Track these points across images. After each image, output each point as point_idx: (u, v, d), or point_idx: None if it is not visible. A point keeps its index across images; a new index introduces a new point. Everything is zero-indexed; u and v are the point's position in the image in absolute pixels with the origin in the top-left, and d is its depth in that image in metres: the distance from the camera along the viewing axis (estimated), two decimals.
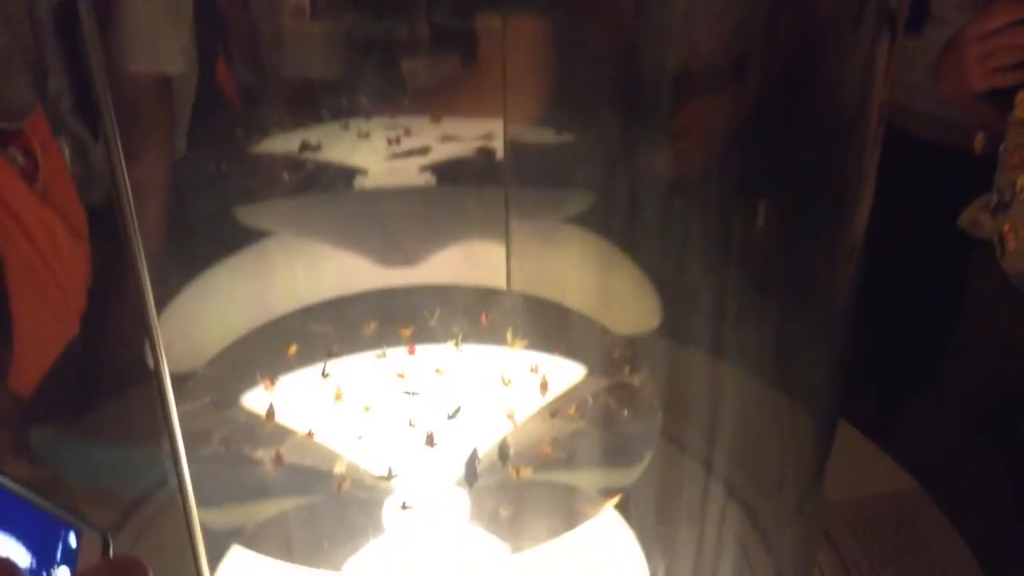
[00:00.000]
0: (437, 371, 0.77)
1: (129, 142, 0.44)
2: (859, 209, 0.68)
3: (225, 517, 0.67)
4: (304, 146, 0.93)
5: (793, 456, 0.81)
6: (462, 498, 0.67)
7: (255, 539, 0.65)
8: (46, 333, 0.81)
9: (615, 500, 0.69)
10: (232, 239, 0.88)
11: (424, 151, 0.96)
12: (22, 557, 0.40)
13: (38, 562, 0.40)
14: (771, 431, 0.82)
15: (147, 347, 0.50)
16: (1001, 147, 0.92)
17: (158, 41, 0.79)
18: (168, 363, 0.51)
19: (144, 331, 0.50)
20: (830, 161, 0.69)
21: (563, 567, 0.69)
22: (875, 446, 0.91)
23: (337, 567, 0.64)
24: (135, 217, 0.47)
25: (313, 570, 0.64)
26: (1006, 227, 0.90)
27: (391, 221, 0.97)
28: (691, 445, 0.86)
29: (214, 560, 0.71)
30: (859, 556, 0.79)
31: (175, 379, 0.61)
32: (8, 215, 0.78)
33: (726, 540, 0.78)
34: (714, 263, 0.80)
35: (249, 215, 0.93)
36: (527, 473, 0.68)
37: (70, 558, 0.43)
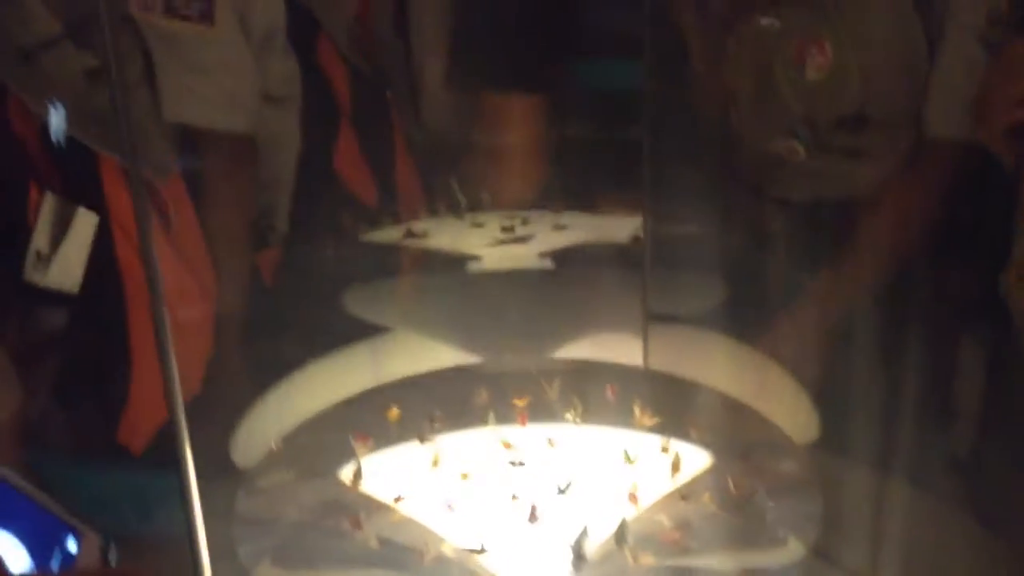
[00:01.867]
0: (549, 442, 0.67)
1: None
2: None
3: None
4: (409, 233, 0.90)
5: None
6: None
7: None
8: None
9: None
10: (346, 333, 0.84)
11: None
12: (19, 554, 0.38)
13: (35, 560, 0.39)
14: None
15: None
16: None
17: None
18: None
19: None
20: None
21: None
22: None
23: None
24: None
25: None
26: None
27: (516, 309, 0.90)
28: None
29: None
30: None
31: None
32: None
33: None
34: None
35: (362, 306, 0.88)
36: (648, 560, 0.56)
37: (68, 560, 0.39)
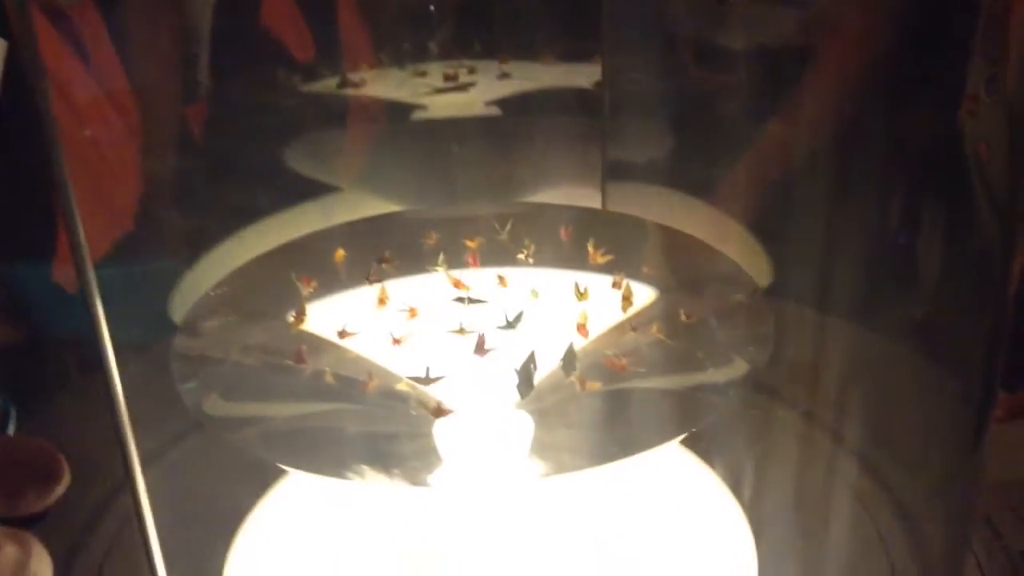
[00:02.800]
0: (500, 280, 0.66)
1: None
2: None
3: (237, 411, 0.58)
4: (345, 83, 0.87)
5: (941, 424, 0.66)
6: (523, 418, 0.56)
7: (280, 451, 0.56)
8: (97, 226, 0.74)
9: (690, 430, 0.56)
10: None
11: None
12: None
13: None
14: (912, 394, 0.68)
15: None
16: None
17: None
18: None
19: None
20: None
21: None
22: None
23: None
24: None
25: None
26: None
27: (470, 159, 0.88)
28: (816, 410, 0.72)
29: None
30: None
31: None
32: (62, 95, 0.73)
33: (850, 511, 0.64)
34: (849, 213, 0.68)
35: (304, 162, 0.86)
36: (595, 386, 0.56)
37: None
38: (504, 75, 0.90)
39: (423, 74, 0.86)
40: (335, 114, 0.87)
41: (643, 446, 0.53)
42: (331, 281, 0.69)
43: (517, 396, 0.56)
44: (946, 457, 0.59)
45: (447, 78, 0.85)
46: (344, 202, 0.88)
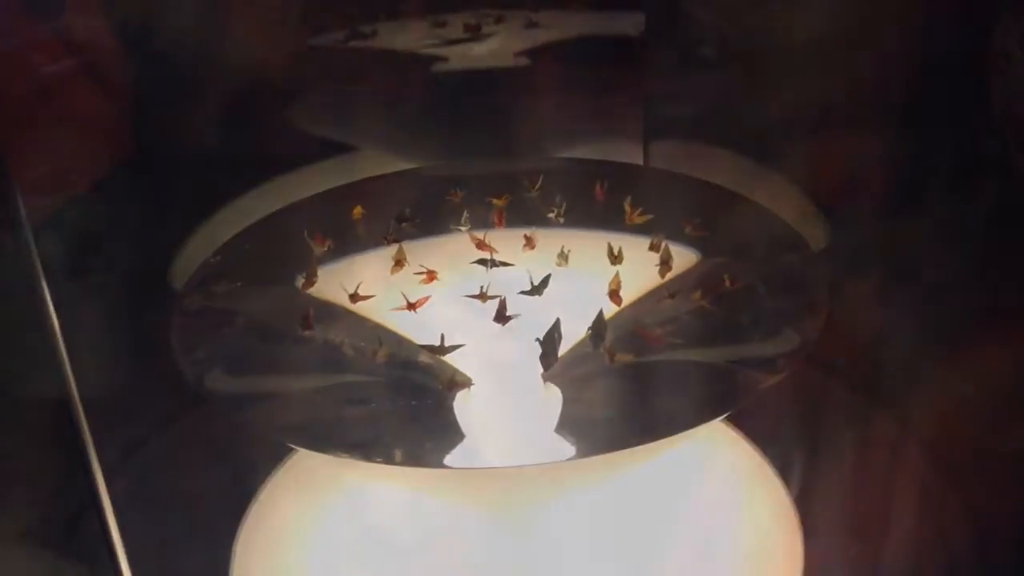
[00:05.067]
0: (527, 240, 0.62)
1: None
2: None
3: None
4: (354, 34, 0.81)
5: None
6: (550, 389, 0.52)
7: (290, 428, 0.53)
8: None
9: (731, 410, 0.52)
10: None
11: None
12: None
13: None
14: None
15: None
16: None
17: None
18: None
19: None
20: None
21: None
22: None
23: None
24: None
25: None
26: None
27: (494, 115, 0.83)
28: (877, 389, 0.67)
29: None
30: None
31: None
32: None
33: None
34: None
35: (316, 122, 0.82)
36: (625, 358, 0.51)
37: None
38: (532, 24, 0.84)
39: (443, 24, 0.81)
40: (350, 69, 0.81)
41: (676, 427, 0.48)
42: (348, 240, 0.65)
43: (540, 368, 0.52)
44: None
45: (467, 28, 0.80)
46: (362, 161, 0.83)
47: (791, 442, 0.60)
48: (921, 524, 0.55)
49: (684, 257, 0.60)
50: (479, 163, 0.76)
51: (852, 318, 0.60)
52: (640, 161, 0.79)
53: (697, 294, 0.56)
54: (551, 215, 0.65)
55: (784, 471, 0.60)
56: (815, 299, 0.54)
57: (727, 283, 0.56)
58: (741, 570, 0.57)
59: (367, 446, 0.50)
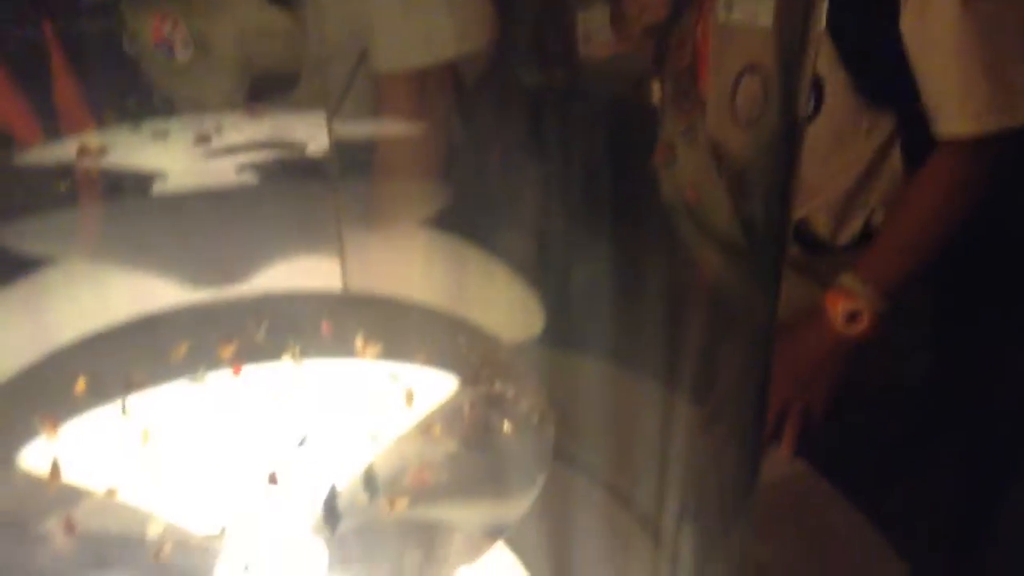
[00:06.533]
0: (272, 395, 0.64)
1: None
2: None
3: None
4: (83, 151, 0.78)
5: (714, 478, 0.72)
6: (318, 547, 0.55)
7: None
8: None
9: (506, 532, 0.59)
10: None
11: (237, 149, 0.84)
12: None
13: None
14: (686, 449, 0.73)
15: None
16: None
17: None
18: None
19: None
20: None
21: None
22: None
23: None
24: None
25: None
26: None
27: (201, 234, 0.83)
28: (593, 468, 0.77)
29: None
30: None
31: None
32: None
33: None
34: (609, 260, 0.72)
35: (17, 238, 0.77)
36: (403, 505, 0.56)
37: None
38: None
39: (163, 134, 0.78)
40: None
41: (458, 561, 0.54)
42: (75, 414, 0.63)
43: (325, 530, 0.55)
44: (725, 500, 0.66)
45: (200, 139, 0.78)
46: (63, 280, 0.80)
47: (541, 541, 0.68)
48: None
49: (428, 380, 0.65)
50: (186, 307, 0.75)
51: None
52: (339, 274, 0.83)
53: (440, 428, 0.62)
54: (286, 356, 0.68)
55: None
56: (545, 433, 0.62)
57: (465, 415, 0.63)
58: None
59: None
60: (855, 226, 1.10)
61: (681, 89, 0.69)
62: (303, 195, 0.84)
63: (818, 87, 1.04)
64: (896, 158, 1.08)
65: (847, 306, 1.02)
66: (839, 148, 1.07)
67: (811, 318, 1.04)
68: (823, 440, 1.00)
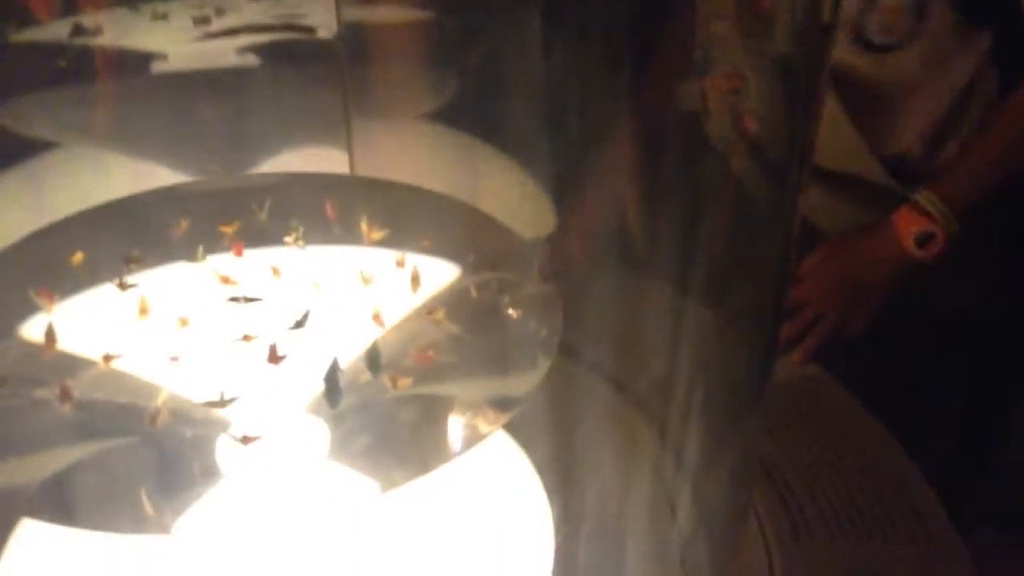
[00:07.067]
0: (274, 271, 0.63)
1: None
2: None
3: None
4: (77, 30, 0.76)
5: (722, 378, 0.71)
6: (319, 426, 0.54)
7: (47, 504, 0.50)
8: None
9: (509, 416, 0.58)
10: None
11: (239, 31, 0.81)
12: None
13: None
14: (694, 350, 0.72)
15: None
16: None
17: None
18: None
19: None
20: None
21: (448, 507, 0.57)
22: None
23: (165, 530, 0.50)
24: None
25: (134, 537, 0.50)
26: (707, 84, 0.79)
27: (205, 120, 0.81)
28: (599, 364, 0.76)
29: None
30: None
31: None
32: None
33: (641, 472, 0.69)
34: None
35: (21, 122, 0.76)
36: (406, 384, 0.55)
37: None
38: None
39: (163, 17, 0.76)
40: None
41: (463, 446, 0.53)
42: (71, 289, 0.62)
43: (325, 406, 0.54)
44: (732, 410, 0.65)
45: (198, 21, 0.76)
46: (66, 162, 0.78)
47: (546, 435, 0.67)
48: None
49: (433, 266, 0.64)
50: (190, 183, 0.74)
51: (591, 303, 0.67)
52: (347, 165, 0.82)
53: (445, 311, 0.61)
54: (289, 240, 0.66)
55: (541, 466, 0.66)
56: (550, 316, 0.61)
57: (473, 295, 0.62)
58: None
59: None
60: (950, 152, 1.07)
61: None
62: (310, 81, 0.82)
63: (920, 7, 1.00)
64: (990, 81, 1.04)
65: (920, 227, 0.99)
66: (934, 72, 1.04)
67: (876, 235, 1.02)
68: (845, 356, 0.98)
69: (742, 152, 0.62)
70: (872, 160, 1.06)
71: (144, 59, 0.76)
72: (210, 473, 0.53)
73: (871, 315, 1.02)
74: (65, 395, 0.53)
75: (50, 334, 0.57)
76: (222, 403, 0.53)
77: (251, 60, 0.78)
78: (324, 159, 0.83)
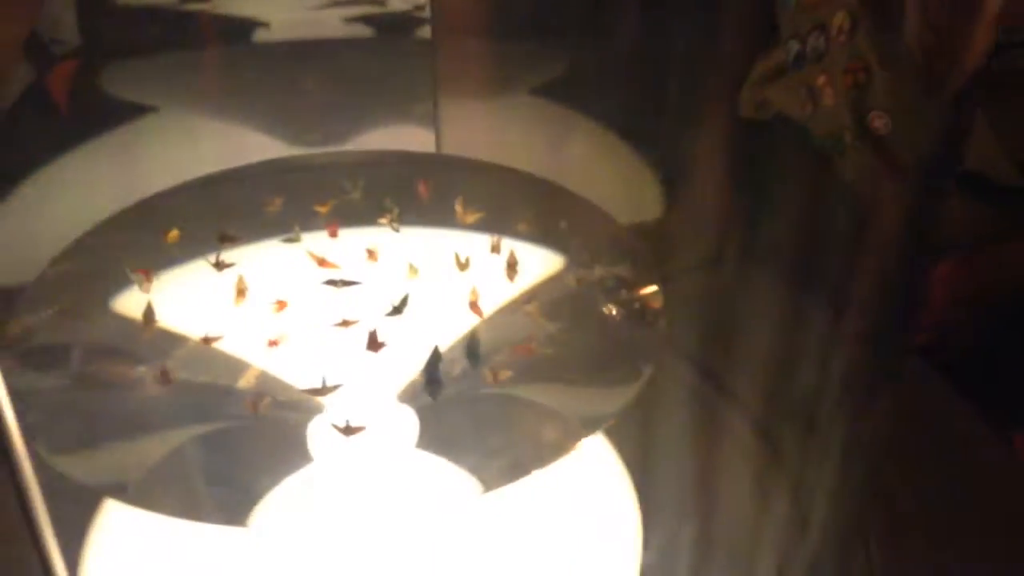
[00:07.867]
0: (369, 253, 0.62)
1: None
2: None
3: (94, 464, 0.51)
4: None
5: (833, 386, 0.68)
6: (409, 416, 0.53)
7: (141, 491, 0.50)
8: None
9: (606, 422, 0.56)
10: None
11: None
12: None
13: None
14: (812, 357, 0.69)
15: None
16: None
17: None
18: None
19: None
20: None
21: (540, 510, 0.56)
22: None
23: (242, 522, 0.49)
24: None
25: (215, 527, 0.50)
26: (821, 79, 0.74)
27: (300, 91, 0.80)
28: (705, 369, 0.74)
29: (83, 523, 0.56)
30: None
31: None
32: None
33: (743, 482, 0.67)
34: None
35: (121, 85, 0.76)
36: (506, 376, 0.54)
37: None
38: None
39: None
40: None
41: (559, 451, 0.51)
42: (167, 267, 0.62)
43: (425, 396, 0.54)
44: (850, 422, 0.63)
45: None
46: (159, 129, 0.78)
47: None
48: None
49: (531, 255, 0.63)
50: (278, 160, 0.73)
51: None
52: (433, 145, 0.81)
53: (542, 302, 0.59)
54: (383, 221, 0.65)
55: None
56: (654, 308, 0.59)
57: (575, 284, 0.60)
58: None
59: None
60: None
61: None
62: (399, 54, 0.81)
63: None
64: None
65: None
66: None
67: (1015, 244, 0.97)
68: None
69: (866, 151, 0.59)
70: (1007, 162, 1.02)
71: (247, 27, 0.75)
72: (302, 460, 0.52)
73: (1006, 327, 0.97)
74: (164, 377, 0.53)
75: (148, 313, 0.57)
76: (324, 390, 0.53)
77: (351, 30, 0.76)
78: (410, 136, 0.81)
